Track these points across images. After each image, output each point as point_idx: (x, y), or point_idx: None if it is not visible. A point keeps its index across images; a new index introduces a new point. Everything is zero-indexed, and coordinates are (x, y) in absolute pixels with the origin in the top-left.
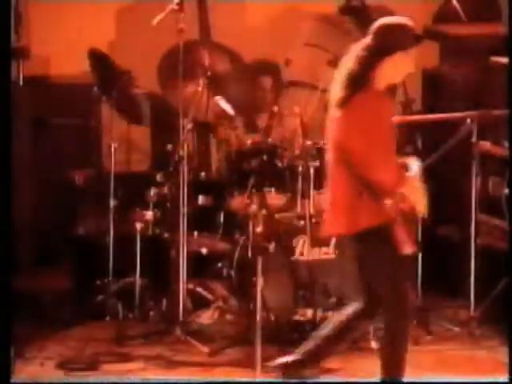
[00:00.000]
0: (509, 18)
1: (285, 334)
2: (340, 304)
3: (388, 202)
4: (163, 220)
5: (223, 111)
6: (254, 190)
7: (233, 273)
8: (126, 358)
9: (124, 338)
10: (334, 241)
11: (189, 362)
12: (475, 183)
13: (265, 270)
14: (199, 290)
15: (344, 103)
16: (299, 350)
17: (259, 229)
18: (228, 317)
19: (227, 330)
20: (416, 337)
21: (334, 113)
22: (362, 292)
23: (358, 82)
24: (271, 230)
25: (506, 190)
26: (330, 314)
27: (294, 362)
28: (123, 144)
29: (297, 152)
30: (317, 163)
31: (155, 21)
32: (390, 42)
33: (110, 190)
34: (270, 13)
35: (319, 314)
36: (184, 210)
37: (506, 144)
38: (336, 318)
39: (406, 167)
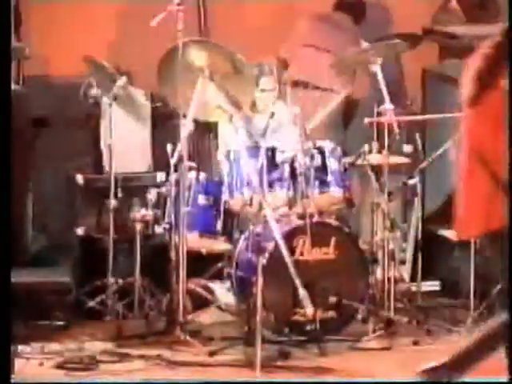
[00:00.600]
0: (509, 17)
1: (285, 335)
2: (340, 304)
3: None
4: (163, 220)
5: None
6: (254, 190)
7: (233, 273)
8: (126, 358)
9: (124, 337)
10: (333, 241)
11: (189, 362)
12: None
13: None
14: (199, 289)
15: (476, 102)
16: (450, 353)
17: (259, 229)
18: (228, 317)
19: (227, 330)
20: (416, 337)
21: (466, 112)
22: None
23: (488, 79)
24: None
25: None
26: (329, 313)
27: (441, 365)
28: (123, 144)
29: (297, 152)
30: (317, 163)
31: (154, 22)
32: None
33: (110, 190)
34: (268, 13)
35: (319, 314)
36: (184, 209)
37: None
38: (491, 322)
39: None
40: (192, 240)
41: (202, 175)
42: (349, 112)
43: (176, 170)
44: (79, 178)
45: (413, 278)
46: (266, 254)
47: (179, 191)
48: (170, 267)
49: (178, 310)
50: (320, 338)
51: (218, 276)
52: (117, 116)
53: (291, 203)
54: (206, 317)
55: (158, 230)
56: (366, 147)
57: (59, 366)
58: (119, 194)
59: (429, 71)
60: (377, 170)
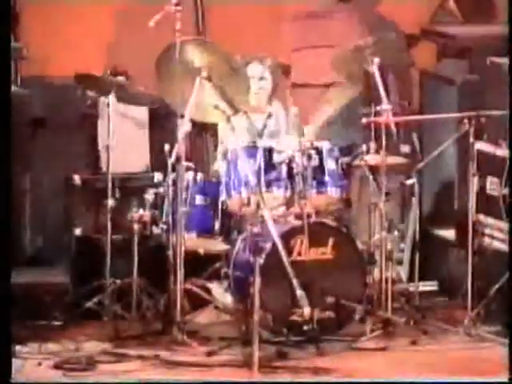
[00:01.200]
0: (509, 18)
1: (282, 335)
2: (337, 304)
3: None
4: (161, 220)
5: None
6: (251, 190)
7: (230, 273)
8: (124, 358)
9: (121, 338)
10: (331, 241)
11: (186, 363)
12: (472, 183)
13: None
14: (196, 290)
15: None
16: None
17: (257, 229)
18: (225, 317)
19: (224, 331)
20: (413, 337)
21: None
22: None
23: None
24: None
25: (504, 190)
26: (327, 314)
27: None
28: (120, 144)
29: (294, 152)
30: (314, 163)
31: (152, 22)
32: None
33: (108, 190)
34: (266, 13)
35: (317, 314)
36: (181, 210)
37: (504, 144)
38: None
39: None
40: (189, 240)
41: (200, 175)
42: None
43: (173, 171)
44: (77, 179)
45: (410, 278)
46: (264, 255)
47: (177, 191)
48: (168, 267)
49: (175, 310)
50: (317, 338)
51: (216, 276)
52: (114, 116)
53: (289, 203)
54: (203, 317)
55: (156, 230)
56: (364, 147)
57: (57, 366)
58: (117, 195)
59: (426, 71)
60: (374, 170)
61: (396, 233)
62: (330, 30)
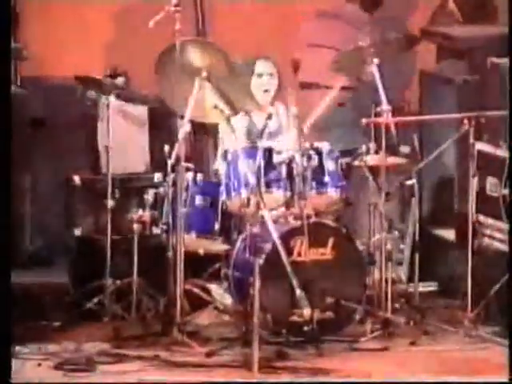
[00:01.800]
0: (509, 18)
1: (282, 335)
2: (337, 305)
3: None
4: (160, 221)
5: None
6: (251, 191)
7: (230, 273)
8: (124, 359)
9: (121, 338)
10: (331, 242)
11: (186, 363)
12: (472, 184)
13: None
14: (196, 290)
15: None
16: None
17: (256, 229)
18: (225, 318)
19: (224, 331)
20: (413, 337)
21: None
22: None
23: None
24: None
25: (504, 191)
26: (327, 314)
27: None
28: (120, 145)
29: (294, 153)
30: (314, 164)
31: (152, 22)
32: None
33: (108, 191)
34: (266, 13)
35: (316, 314)
36: (181, 210)
37: (503, 145)
38: None
39: None
40: (189, 241)
41: (200, 176)
42: None
43: (173, 171)
44: (77, 179)
45: (410, 279)
46: (264, 255)
47: (177, 192)
48: (168, 268)
49: (175, 310)
50: (317, 339)
51: (216, 277)
52: (114, 117)
53: (288, 204)
54: (203, 318)
55: (156, 230)
56: (364, 148)
57: (57, 367)
58: (117, 195)
59: (426, 72)
60: (374, 170)
61: (396, 233)
62: (337, 31)
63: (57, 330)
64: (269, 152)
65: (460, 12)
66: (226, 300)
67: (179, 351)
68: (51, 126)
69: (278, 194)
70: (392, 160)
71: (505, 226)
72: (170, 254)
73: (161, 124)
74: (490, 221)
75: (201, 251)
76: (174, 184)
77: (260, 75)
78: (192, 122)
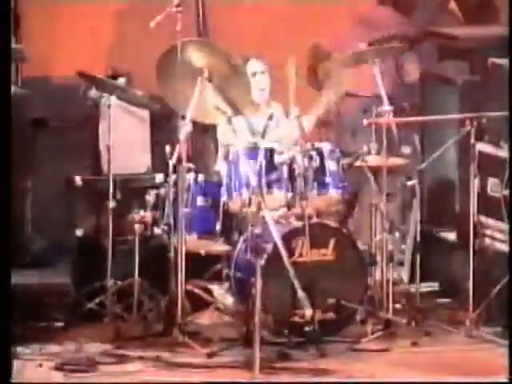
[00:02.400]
0: (509, 18)
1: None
2: (338, 306)
3: None
4: (162, 221)
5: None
6: (252, 191)
7: (231, 274)
8: (125, 360)
9: (122, 339)
10: (332, 242)
11: (187, 364)
12: (473, 184)
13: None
14: (198, 291)
15: None
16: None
17: (258, 230)
18: (226, 318)
19: (226, 332)
20: (414, 338)
21: None
22: None
23: None
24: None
25: (505, 192)
26: (328, 315)
27: None
28: (122, 145)
29: (295, 153)
30: (316, 164)
31: (153, 22)
32: None
33: (109, 192)
34: (267, 14)
35: (318, 315)
36: (183, 211)
37: (504, 145)
38: None
39: None
40: (191, 241)
41: (201, 176)
42: None
43: (175, 172)
44: (78, 180)
45: (411, 280)
46: (265, 256)
47: (178, 192)
48: (169, 268)
49: (176, 311)
50: (319, 340)
51: (217, 277)
52: (116, 117)
53: (290, 204)
54: (204, 318)
55: (157, 231)
56: (365, 148)
57: (58, 368)
58: (118, 196)
59: (427, 72)
60: (375, 171)
61: (397, 234)
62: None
63: (58, 330)
64: (270, 152)
65: (461, 12)
66: (228, 300)
67: (180, 352)
68: (52, 126)
69: (280, 195)
70: (393, 161)
71: (506, 226)
72: (172, 254)
73: (162, 124)
74: (491, 221)
75: (202, 252)
76: (176, 184)
77: (253, 74)
78: (193, 123)
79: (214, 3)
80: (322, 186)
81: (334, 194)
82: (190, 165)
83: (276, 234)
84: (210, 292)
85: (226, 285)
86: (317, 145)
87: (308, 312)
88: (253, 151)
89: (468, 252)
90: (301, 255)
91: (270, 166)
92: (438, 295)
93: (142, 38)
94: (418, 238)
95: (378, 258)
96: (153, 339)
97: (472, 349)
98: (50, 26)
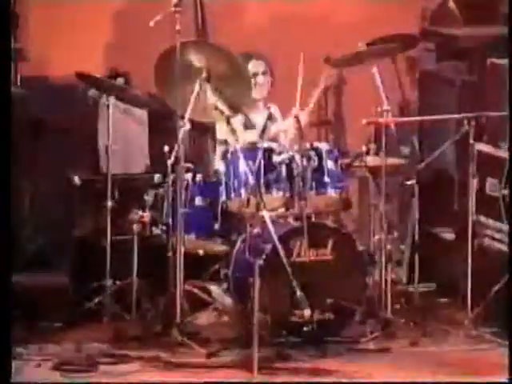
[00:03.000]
0: (509, 18)
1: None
2: (337, 306)
3: None
4: (160, 221)
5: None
6: (251, 191)
7: (230, 274)
8: (124, 360)
9: (121, 339)
10: (330, 242)
11: (186, 364)
12: (472, 184)
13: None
14: (196, 291)
15: None
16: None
17: (256, 230)
18: (225, 318)
19: (224, 332)
20: (413, 338)
21: None
22: None
23: None
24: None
25: (504, 191)
26: (327, 315)
27: None
28: (120, 145)
29: (294, 153)
30: (314, 164)
31: (152, 22)
32: None
33: (108, 191)
34: (266, 14)
35: (316, 315)
36: (181, 211)
37: (503, 145)
38: None
39: None
40: (189, 241)
41: (199, 176)
42: None
43: (173, 171)
44: (76, 179)
45: (410, 279)
46: (264, 256)
47: (176, 192)
48: (168, 269)
49: (175, 311)
50: (317, 340)
51: (216, 277)
52: (114, 117)
53: (288, 204)
54: (203, 318)
55: (156, 231)
56: (364, 148)
57: (57, 368)
58: (116, 196)
59: (426, 72)
60: (374, 171)
61: (396, 234)
62: None
63: (57, 330)
64: (268, 152)
65: (460, 12)
66: (226, 300)
67: (179, 352)
68: (51, 126)
69: (278, 195)
70: (392, 161)
71: (505, 226)
72: (170, 254)
73: (161, 124)
74: (489, 221)
75: (201, 252)
76: (174, 184)
77: (255, 74)
78: (192, 122)
79: (212, 3)
80: (321, 185)
81: (332, 193)
82: (189, 165)
83: (274, 234)
84: (208, 292)
85: (225, 285)
86: (315, 144)
87: (307, 312)
88: (251, 151)
89: (466, 252)
90: (299, 255)
91: (269, 165)
92: (437, 295)
93: (140, 38)
94: (417, 238)
95: (377, 258)
96: (152, 339)
97: (471, 349)
98: (50, 26)
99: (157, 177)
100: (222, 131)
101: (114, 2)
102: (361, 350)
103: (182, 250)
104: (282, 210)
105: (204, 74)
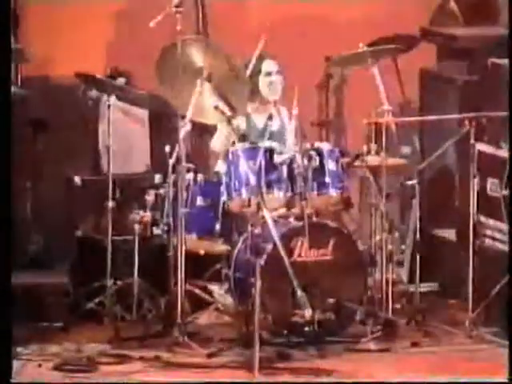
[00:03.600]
0: (509, 18)
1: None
2: (338, 306)
3: None
4: (161, 221)
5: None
6: (252, 191)
7: (231, 274)
8: (124, 360)
9: (122, 339)
10: (331, 242)
11: (187, 364)
12: (473, 184)
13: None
14: (197, 291)
15: None
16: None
17: (257, 230)
18: (226, 318)
19: (225, 332)
20: (414, 338)
21: None
22: None
23: None
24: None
25: (504, 192)
26: (328, 315)
27: None
28: (121, 145)
29: (295, 153)
30: (315, 164)
31: (153, 22)
32: None
33: (109, 192)
34: (266, 14)
35: (317, 315)
36: (182, 211)
37: (504, 145)
38: None
39: None
40: (190, 241)
41: (200, 176)
42: None
43: (174, 172)
44: (77, 180)
45: (411, 280)
46: (265, 256)
47: (177, 192)
48: (169, 269)
49: (176, 311)
50: (318, 340)
51: (217, 277)
52: (115, 117)
53: (289, 204)
54: (204, 318)
55: (157, 231)
56: (365, 148)
57: (57, 368)
58: (117, 196)
59: (427, 72)
60: (375, 171)
61: (397, 234)
62: None
63: (57, 330)
64: (270, 152)
65: (460, 12)
66: (227, 300)
67: (180, 352)
68: (52, 126)
69: (279, 195)
70: (393, 161)
71: (505, 226)
72: (171, 254)
73: (162, 124)
74: (490, 221)
75: (202, 252)
76: (175, 184)
77: (269, 74)
78: (193, 123)
79: (213, 3)
80: (322, 185)
81: (333, 193)
82: (190, 165)
83: (275, 233)
84: (209, 292)
85: (226, 285)
86: (316, 144)
87: (307, 312)
88: (252, 151)
89: (467, 252)
90: (300, 255)
91: (270, 165)
92: (438, 295)
93: (141, 37)
94: (418, 238)
95: (378, 258)
96: (152, 339)
97: (472, 349)
98: (50, 26)
99: (158, 177)
100: (222, 131)
101: (114, 2)
102: (361, 349)
103: (183, 250)
104: (282, 209)
105: (205, 74)
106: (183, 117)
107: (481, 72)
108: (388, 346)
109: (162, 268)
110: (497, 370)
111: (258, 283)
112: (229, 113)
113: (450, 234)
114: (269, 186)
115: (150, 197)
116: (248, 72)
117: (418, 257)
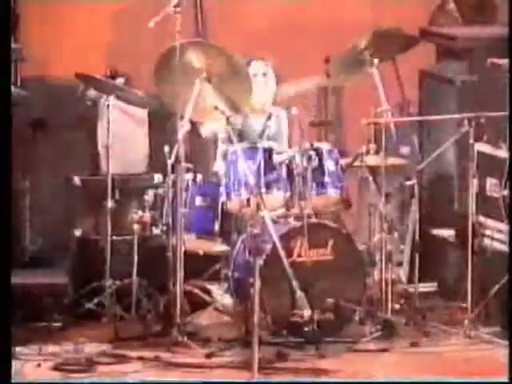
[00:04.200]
0: (509, 18)
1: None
2: (337, 306)
3: None
4: (160, 221)
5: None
6: (251, 191)
7: (230, 274)
8: (123, 360)
9: (121, 339)
10: (331, 242)
11: (186, 364)
12: (472, 184)
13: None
14: (196, 291)
15: None
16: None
17: (256, 230)
18: (225, 318)
19: (224, 332)
20: (413, 338)
21: None
22: None
23: None
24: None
25: (504, 192)
26: (327, 315)
27: None
28: (120, 145)
29: (294, 153)
30: (314, 164)
31: (152, 23)
32: None
33: (108, 191)
34: (266, 14)
35: (317, 315)
36: (181, 211)
37: (503, 145)
38: None
39: None
40: (189, 241)
41: (199, 176)
42: None
43: (173, 172)
44: (76, 180)
45: (410, 280)
46: (264, 256)
47: (176, 192)
48: (168, 268)
49: (175, 311)
50: (318, 340)
51: (216, 277)
52: (114, 117)
53: (288, 204)
54: (203, 318)
55: (156, 231)
56: (364, 148)
57: (56, 368)
58: (116, 196)
59: (426, 72)
60: (374, 171)
61: (396, 234)
62: None
63: (57, 330)
64: (269, 152)
65: (460, 12)
66: (226, 300)
67: (179, 352)
68: (51, 126)
69: (278, 195)
70: (392, 161)
71: (505, 226)
72: (170, 254)
73: (161, 124)
74: (489, 221)
75: (201, 252)
76: (174, 185)
77: (254, 75)
78: (192, 123)
79: (212, 4)
80: (321, 185)
81: (332, 193)
82: (189, 165)
83: (275, 234)
84: (208, 292)
85: (225, 285)
86: (316, 145)
87: (307, 312)
88: (251, 151)
89: (467, 252)
90: (299, 255)
91: (269, 165)
92: (437, 295)
93: (140, 38)
94: (417, 238)
95: (377, 258)
96: (152, 339)
97: (471, 349)
98: (49, 26)
99: (157, 177)
100: (222, 131)
101: (114, 2)
102: (361, 350)
103: (182, 250)
104: (282, 210)
105: (204, 74)
106: (182, 117)
107: (480, 72)
108: (387, 346)
109: (161, 268)
110: (496, 370)
111: (257, 283)
112: (228, 113)
113: (449, 233)
114: (268, 186)
115: (149, 197)
116: None
117: (417, 257)
